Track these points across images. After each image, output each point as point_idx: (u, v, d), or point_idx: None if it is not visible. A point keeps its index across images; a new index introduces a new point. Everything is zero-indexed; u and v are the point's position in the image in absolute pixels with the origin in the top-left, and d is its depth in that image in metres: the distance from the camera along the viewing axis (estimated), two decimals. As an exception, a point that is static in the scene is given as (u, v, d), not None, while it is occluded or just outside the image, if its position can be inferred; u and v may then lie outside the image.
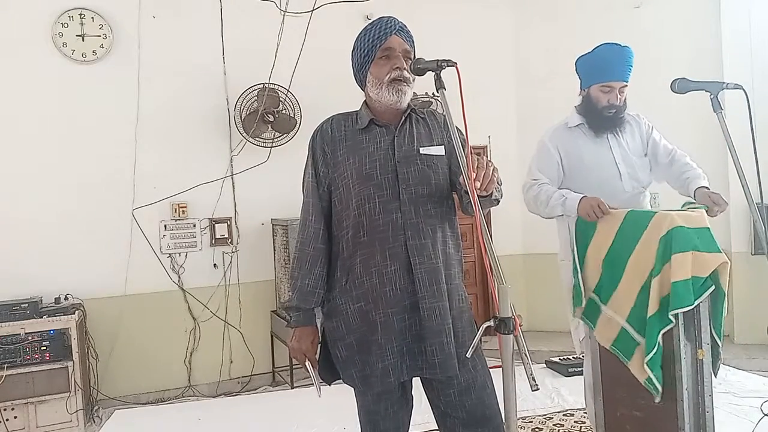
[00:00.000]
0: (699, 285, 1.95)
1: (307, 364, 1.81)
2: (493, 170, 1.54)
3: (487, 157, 1.54)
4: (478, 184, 1.49)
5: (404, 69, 1.72)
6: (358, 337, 1.74)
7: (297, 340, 1.80)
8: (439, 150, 1.79)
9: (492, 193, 1.60)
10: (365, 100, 1.85)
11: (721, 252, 1.97)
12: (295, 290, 1.80)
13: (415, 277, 1.70)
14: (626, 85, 2.45)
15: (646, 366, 1.99)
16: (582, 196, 2.32)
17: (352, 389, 1.88)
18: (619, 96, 2.44)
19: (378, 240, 1.71)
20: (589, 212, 2.26)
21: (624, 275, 2.13)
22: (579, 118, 2.52)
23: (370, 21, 1.79)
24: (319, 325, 1.85)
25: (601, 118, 2.46)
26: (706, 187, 2.38)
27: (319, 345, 1.85)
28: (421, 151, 1.76)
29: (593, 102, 2.46)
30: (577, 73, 2.57)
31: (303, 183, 1.87)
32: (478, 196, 1.49)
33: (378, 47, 1.74)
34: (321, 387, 1.84)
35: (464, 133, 1.57)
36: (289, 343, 1.84)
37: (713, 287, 1.97)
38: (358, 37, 1.79)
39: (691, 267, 1.94)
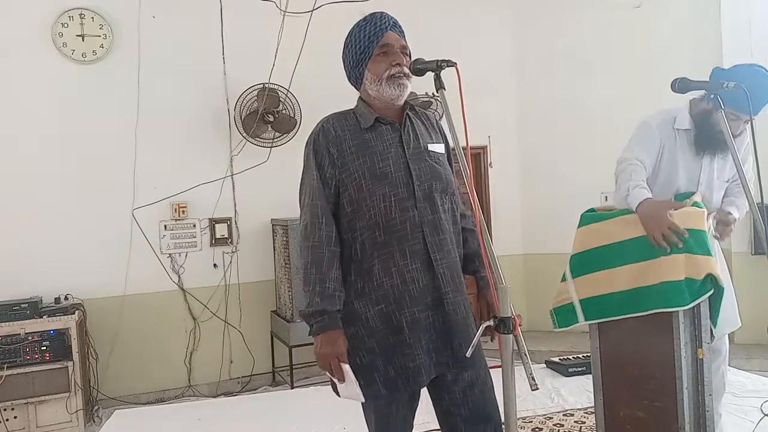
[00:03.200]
0: (696, 287, 1.97)
1: (345, 367, 1.64)
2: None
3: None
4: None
5: (404, 65, 1.72)
6: (380, 340, 1.70)
7: (329, 345, 1.64)
8: (441, 148, 1.81)
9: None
10: (360, 98, 1.82)
11: (712, 255, 2.00)
12: (316, 295, 1.67)
13: (437, 273, 1.69)
14: (750, 120, 2.19)
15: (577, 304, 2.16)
16: (646, 198, 2.11)
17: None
18: (741, 127, 2.27)
19: (396, 239, 1.68)
20: (655, 225, 2.02)
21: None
22: (689, 124, 2.31)
23: (363, 18, 1.76)
24: None
25: (711, 139, 2.26)
26: (730, 213, 2.35)
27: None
28: (429, 148, 1.77)
29: (713, 121, 2.19)
30: (709, 79, 2.23)
31: (303, 187, 1.80)
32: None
33: (375, 44, 1.72)
34: (360, 393, 1.68)
35: (463, 134, 1.56)
36: (316, 352, 1.67)
37: (712, 290, 1.99)
38: (350, 34, 1.76)
39: (684, 268, 1.96)
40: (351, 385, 1.66)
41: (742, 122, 2.25)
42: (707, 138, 2.28)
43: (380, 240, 1.69)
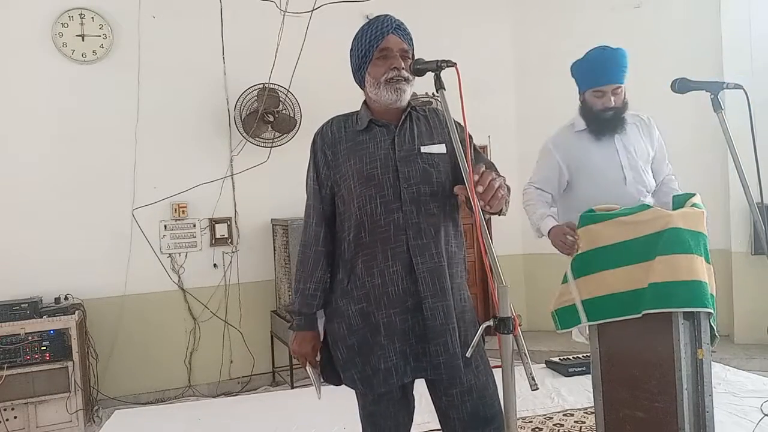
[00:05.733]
0: (701, 290, 1.98)
1: (308, 367, 1.81)
2: (498, 187, 1.51)
3: (492, 172, 1.52)
4: (480, 189, 1.48)
5: (402, 68, 1.71)
6: (359, 338, 1.74)
7: (298, 344, 1.80)
8: (441, 148, 1.78)
9: (501, 209, 1.60)
10: (365, 100, 1.84)
11: (709, 261, 2.01)
12: (297, 293, 1.79)
13: (418, 277, 1.68)
14: (620, 87, 2.49)
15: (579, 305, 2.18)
16: (554, 225, 2.40)
17: (353, 390, 1.87)
18: (613, 98, 2.47)
19: (380, 240, 1.70)
20: (558, 244, 2.34)
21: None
22: (583, 123, 2.56)
23: (367, 21, 1.78)
24: (321, 327, 1.84)
25: (599, 121, 2.50)
26: None
27: (322, 347, 1.84)
28: (422, 150, 1.75)
29: (589, 106, 2.51)
30: (573, 77, 2.61)
31: (306, 186, 1.86)
32: (485, 212, 1.48)
33: (375, 47, 1.72)
34: (322, 388, 1.85)
35: (465, 130, 1.57)
36: (290, 346, 1.83)
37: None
38: (355, 37, 1.78)
39: (684, 270, 1.97)
40: (313, 382, 1.82)
41: (609, 94, 2.46)
42: (596, 121, 2.49)
43: (364, 240, 1.72)
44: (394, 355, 1.70)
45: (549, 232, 2.41)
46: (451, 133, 1.53)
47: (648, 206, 2.16)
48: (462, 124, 1.63)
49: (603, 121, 2.49)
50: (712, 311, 2.00)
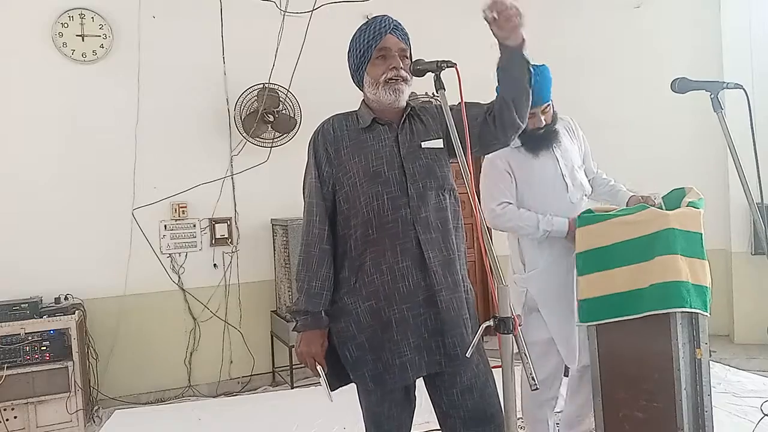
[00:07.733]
0: (699, 291, 1.99)
1: (318, 368, 1.76)
2: (513, 14, 1.53)
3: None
4: (501, 31, 1.48)
5: (401, 68, 1.73)
6: (369, 335, 1.74)
7: (306, 344, 1.76)
8: (438, 143, 1.81)
9: (521, 45, 1.62)
10: (364, 100, 1.85)
11: (705, 259, 2.02)
12: (302, 293, 1.77)
13: (431, 270, 1.70)
14: (548, 105, 2.48)
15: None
16: (567, 219, 2.39)
17: (354, 390, 1.87)
18: (543, 117, 2.46)
19: (388, 237, 1.71)
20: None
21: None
22: (518, 140, 2.47)
23: (365, 21, 1.79)
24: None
25: (534, 139, 2.47)
26: (635, 194, 2.52)
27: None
28: (423, 146, 1.77)
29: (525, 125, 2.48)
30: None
31: (304, 184, 1.86)
32: (503, 45, 1.53)
33: (374, 47, 1.74)
34: (331, 391, 1.80)
35: (465, 130, 1.56)
36: (296, 348, 1.79)
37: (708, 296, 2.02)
38: (353, 38, 1.80)
39: (684, 272, 1.99)
40: (323, 384, 1.76)
41: (539, 113, 2.44)
42: (530, 140, 2.46)
43: (372, 237, 1.72)
44: (409, 351, 1.70)
45: (569, 225, 2.37)
46: (447, 121, 1.53)
47: (645, 206, 2.17)
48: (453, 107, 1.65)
49: (537, 138, 2.48)
50: (707, 314, 2.01)
